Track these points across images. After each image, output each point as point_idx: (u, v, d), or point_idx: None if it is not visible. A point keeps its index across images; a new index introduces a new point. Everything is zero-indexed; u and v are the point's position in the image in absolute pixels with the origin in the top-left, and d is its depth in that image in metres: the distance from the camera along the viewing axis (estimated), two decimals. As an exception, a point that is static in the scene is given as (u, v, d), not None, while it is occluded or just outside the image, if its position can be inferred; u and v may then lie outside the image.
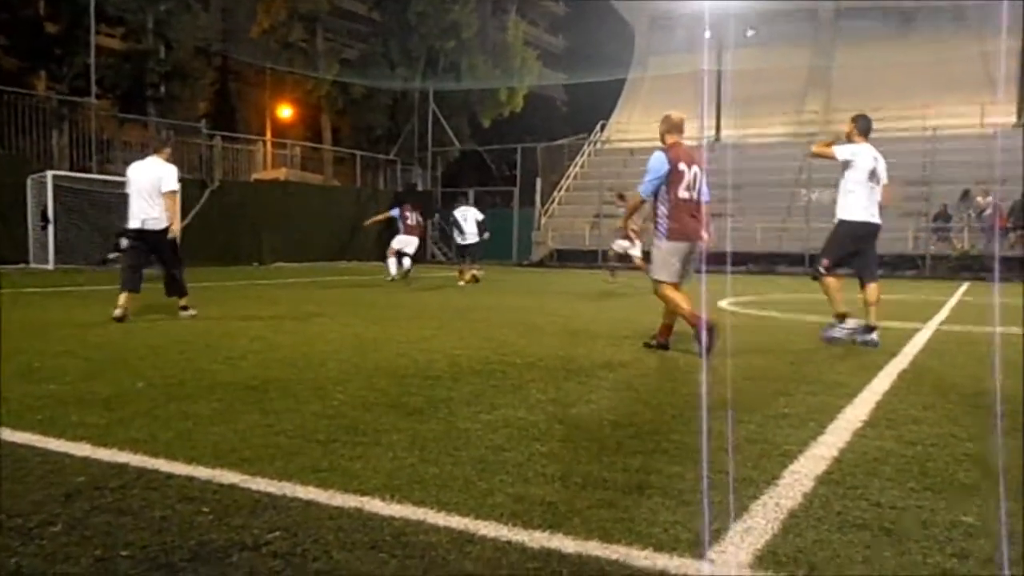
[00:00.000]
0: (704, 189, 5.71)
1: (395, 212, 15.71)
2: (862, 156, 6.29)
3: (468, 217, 15.46)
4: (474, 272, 15.42)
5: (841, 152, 6.34)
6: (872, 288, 6.32)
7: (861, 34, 34.06)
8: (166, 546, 2.04)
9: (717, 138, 30.89)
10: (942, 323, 8.50)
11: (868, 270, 6.41)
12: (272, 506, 2.34)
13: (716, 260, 22.12)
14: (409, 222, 15.50)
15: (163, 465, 2.73)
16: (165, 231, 7.61)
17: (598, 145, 33.01)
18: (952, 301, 11.95)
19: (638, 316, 8.31)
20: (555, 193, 29.78)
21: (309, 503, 2.37)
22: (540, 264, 26.64)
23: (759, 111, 30.43)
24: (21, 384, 4.19)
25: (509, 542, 2.08)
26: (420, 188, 32.20)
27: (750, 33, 33.07)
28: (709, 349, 5.21)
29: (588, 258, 25.40)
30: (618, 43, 38.76)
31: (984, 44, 29.20)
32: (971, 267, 21.16)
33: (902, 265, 22.56)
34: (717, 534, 2.17)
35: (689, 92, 31.50)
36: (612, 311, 8.73)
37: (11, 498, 2.40)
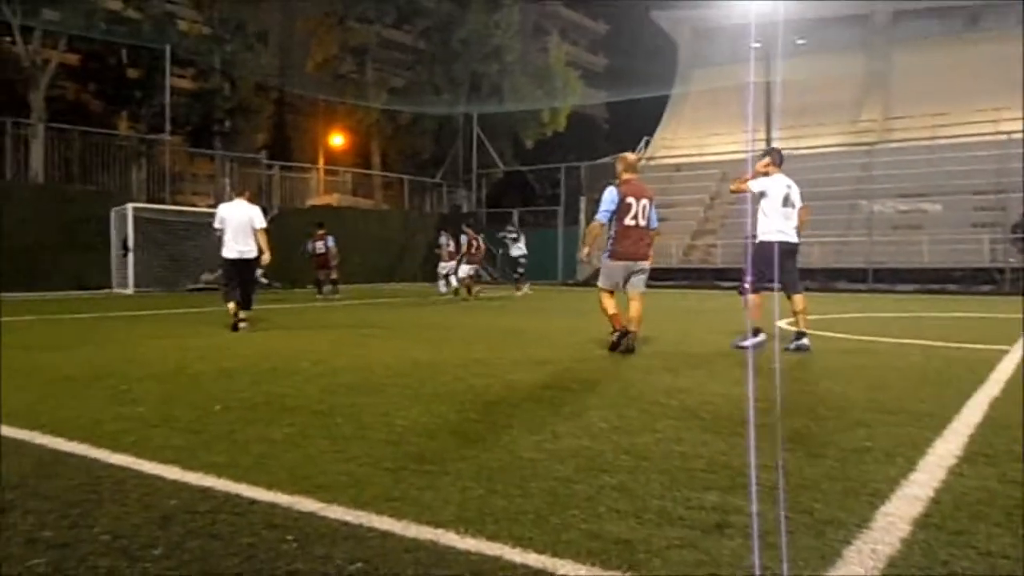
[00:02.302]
0: (653, 217, 6.98)
1: (442, 239, 18.32)
2: (775, 186, 7.25)
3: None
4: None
5: (756, 185, 7.31)
6: (797, 299, 7.24)
7: (921, 37, 33.08)
8: (257, 574, 2.12)
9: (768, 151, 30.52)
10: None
11: (792, 285, 7.29)
12: (351, 536, 2.41)
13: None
14: (450, 248, 18.20)
15: (245, 490, 2.84)
16: (254, 260, 9.41)
17: (642, 162, 32.93)
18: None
19: (691, 342, 8.25)
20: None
21: (385, 534, 2.42)
22: (585, 284, 26.58)
23: (813, 121, 29.90)
24: (113, 406, 4.43)
25: (591, 583, 2.05)
26: (465, 210, 32.56)
27: (800, 42, 32.59)
28: (622, 348, 6.78)
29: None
30: (661, 58, 38.72)
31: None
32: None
33: (977, 279, 21.52)
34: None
35: (736, 105, 31.17)
36: (666, 333, 8.69)
37: (115, 520, 2.54)
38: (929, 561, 2.23)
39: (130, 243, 18.78)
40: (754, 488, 2.85)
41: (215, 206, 22.14)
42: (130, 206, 19.17)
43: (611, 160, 28.27)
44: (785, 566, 2.16)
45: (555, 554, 2.25)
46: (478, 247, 17.75)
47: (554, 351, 7.28)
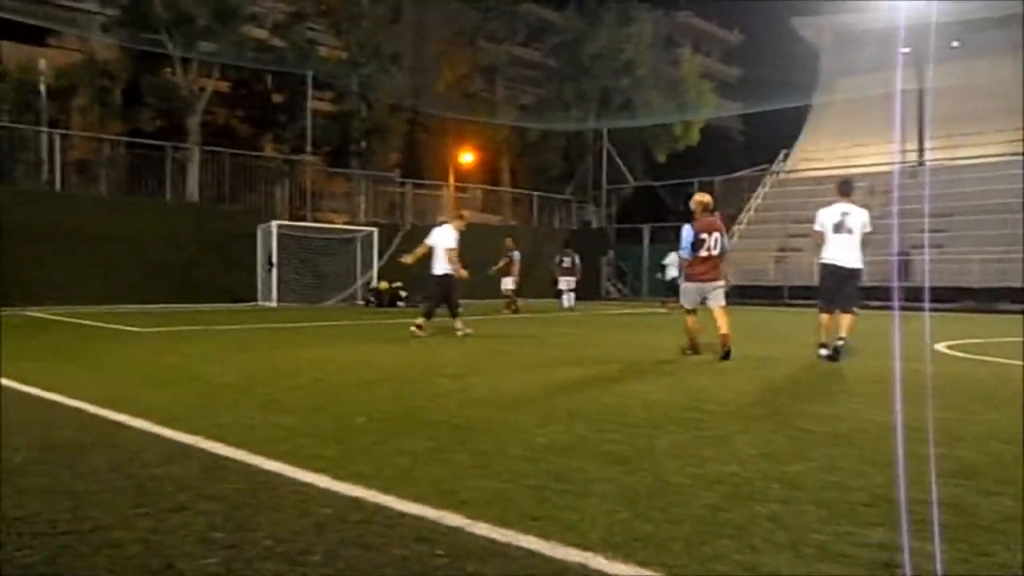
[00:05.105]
0: (725, 245, 8.26)
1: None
2: (828, 214, 8.00)
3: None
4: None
5: (816, 223, 8.10)
6: (845, 318, 7.84)
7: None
8: (411, 588, 2.15)
9: (920, 163, 28.50)
10: None
11: (842, 304, 7.90)
12: (499, 553, 2.40)
13: (920, 296, 20.25)
14: (565, 265, 19.60)
15: (394, 502, 2.90)
16: (444, 276, 10.60)
17: (780, 175, 31.60)
18: None
19: (837, 365, 7.76)
20: (733, 227, 28.82)
21: (533, 554, 2.40)
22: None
23: (970, 130, 27.70)
24: (265, 415, 4.69)
25: (751, 618, 1.96)
26: (594, 225, 32.42)
27: (955, 45, 30.29)
28: (720, 356, 7.79)
29: (772, 294, 24.20)
30: (801, 67, 37.09)
31: None
32: None
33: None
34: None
35: (884, 114, 29.30)
36: (812, 355, 8.21)
37: (275, 525, 2.66)
38: None
39: (274, 258, 19.92)
40: (904, 522, 2.62)
41: (351, 223, 23.33)
42: (274, 223, 20.28)
43: (747, 174, 27.58)
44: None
45: (711, 587, 2.15)
46: (510, 262, 18.28)
47: (690, 371, 7.07)
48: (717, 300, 8.18)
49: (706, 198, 8.41)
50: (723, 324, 7.97)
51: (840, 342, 7.72)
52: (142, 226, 18.64)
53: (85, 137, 22.75)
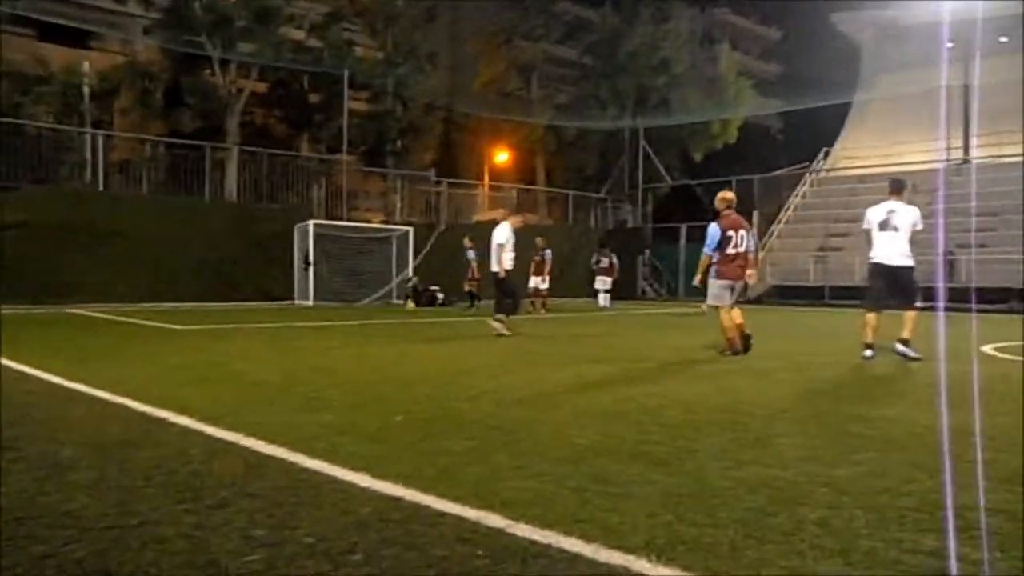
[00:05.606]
0: (751, 244, 8.36)
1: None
2: (875, 212, 7.99)
3: None
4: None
5: (864, 221, 8.14)
6: (907, 316, 7.74)
7: None
8: (454, 589, 2.14)
9: (965, 160, 27.77)
10: None
11: (900, 302, 7.80)
12: (541, 555, 2.38)
13: (965, 297, 19.70)
14: (602, 265, 19.79)
15: (434, 502, 2.89)
16: (496, 273, 10.67)
17: (821, 173, 31.04)
18: None
19: (889, 366, 7.59)
20: (772, 226, 28.36)
21: (575, 557, 2.37)
22: (758, 301, 25.37)
23: (1018, 127, 26.89)
24: (304, 413, 4.72)
25: (801, 626, 1.92)
26: (630, 225, 32.19)
27: (1004, 39, 29.41)
28: (739, 353, 8.06)
29: (812, 294, 23.78)
30: (841, 63, 36.34)
31: None
32: None
33: None
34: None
35: (927, 111, 28.58)
36: (851, 354, 8.05)
37: (316, 523, 2.67)
38: None
39: (311, 257, 20.09)
40: (951, 528, 2.56)
41: (387, 222, 23.47)
42: (311, 222, 20.46)
43: (787, 172, 26.96)
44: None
45: (759, 594, 2.11)
46: (541, 261, 17.93)
47: (728, 371, 6.97)
48: (734, 299, 8.37)
49: (730, 195, 8.46)
50: (737, 315, 8.28)
51: (900, 345, 7.65)
52: (182, 225, 18.99)
53: (127, 138, 23.24)
